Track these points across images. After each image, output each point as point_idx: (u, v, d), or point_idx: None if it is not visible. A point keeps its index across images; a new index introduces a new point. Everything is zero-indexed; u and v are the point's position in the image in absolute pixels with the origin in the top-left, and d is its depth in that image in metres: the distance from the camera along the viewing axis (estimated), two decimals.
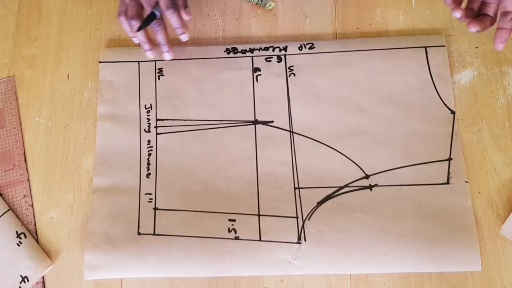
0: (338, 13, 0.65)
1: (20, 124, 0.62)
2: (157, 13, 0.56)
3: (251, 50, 0.63)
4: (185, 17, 0.57)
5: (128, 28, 0.57)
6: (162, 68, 0.63)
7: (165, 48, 0.59)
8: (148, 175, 0.58)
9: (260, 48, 0.63)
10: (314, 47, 0.62)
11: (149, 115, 0.61)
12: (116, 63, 0.63)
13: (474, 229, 0.54)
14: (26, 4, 0.67)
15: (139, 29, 0.56)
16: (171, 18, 0.56)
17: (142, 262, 0.55)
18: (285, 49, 0.62)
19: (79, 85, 0.63)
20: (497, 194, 0.56)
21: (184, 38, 0.58)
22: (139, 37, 0.58)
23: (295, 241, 0.55)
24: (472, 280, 0.53)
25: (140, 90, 0.62)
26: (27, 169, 0.60)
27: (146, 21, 0.56)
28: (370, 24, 0.64)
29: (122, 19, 0.57)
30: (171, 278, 0.55)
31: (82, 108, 0.62)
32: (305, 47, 0.62)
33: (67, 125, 0.62)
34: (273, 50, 0.63)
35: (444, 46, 0.61)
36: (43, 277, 0.56)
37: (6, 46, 0.65)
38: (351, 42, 0.62)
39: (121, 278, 0.55)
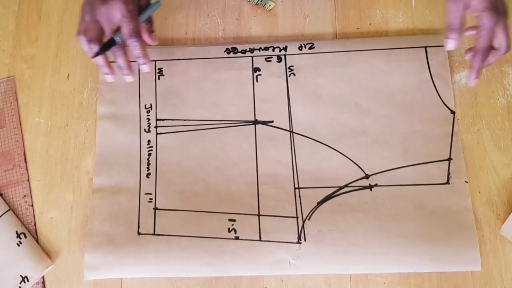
0: (338, 13, 0.65)
1: (20, 124, 0.62)
2: (118, 40, 0.53)
3: (251, 50, 0.63)
4: (150, 42, 0.55)
5: (87, 49, 0.53)
6: (162, 68, 0.63)
7: (125, 71, 0.56)
8: (148, 175, 0.58)
9: (260, 48, 0.63)
10: (314, 47, 0.62)
11: (149, 115, 0.61)
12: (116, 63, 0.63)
13: (474, 229, 0.54)
14: (26, 4, 0.67)
15: (96, 55, 0.53)
16: (133, 47, 0.53)
17: (142, 262, 0.55)
18: (285, 49, 0.62)
19: (79, 85, 0.63)
20: (497, 194, 0.56)
21: (145, 69, 0.55)
22: (97, 61, 0.54)
23: (295, 241, 0.55)
24: (472, 280, 0.53)
25: (140, 90, 0.62)
26: (27, 169, 0.60)
27: (105, 47, 0.53)
28: (370, 24, 0.64)
29: (82, 39, 0.53)
30: (171, 278, 0.55)
31: (82, 108, 0.62)
32: (305, 47, 0.62)
33: (67, 125, 0.62)
34: (273, 50, 0.63)
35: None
36: (43, 277, 0.56)
37: (6, 46, 0.65)
38: (351, 42, 0.62)
39: (121, 278, 0.55)
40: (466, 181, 0.56)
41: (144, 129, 0.60)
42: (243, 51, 0.63)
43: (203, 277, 0.55)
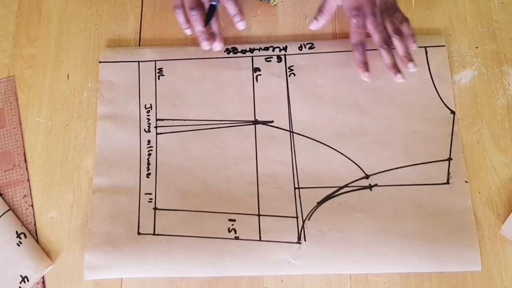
0: (338, 13, 0.65)
1: (20, 124, 0.62)
2: (216, 4, 0.57)
3: (251, 50, 0.63)
4: None
5: (184, 20, 0.59)
6: (162, 68, 0.63)
7: (218, 37, 0.60)
8: (148, 175, 0.58)
9: (260, 48, 0.63)
10: (314, 47, 0.62)
11: (149, 115, 0.61)
12: (116, 63, 0.63)
13: (474, 229, 0.54)
14: (26, 4, 0.67)
15: (205, 25, 0.58)
16: (229, 6, 0.58)
17: (142, 262, 0.55)
18: (285, 49, 0.62)
19: (79, 85, 0.63)
20: (497, 194, 0.56)
21: (241, 25, 0.59)
22: (199, 29, 0.59)
23: (295, 241, 0.55)
24: (472, 280, 0.53)
25: (140, 90, 0.62)
26: (27, 169, 0.60)
27: (209, 15, 0.58)
28: None
29: (179, 11, 0.59)
30: (171, 278, 0.55)
31: (82, 108, 0.62)
32: (305, 47, 0.62)
33: (67, 125, 0.62)
34: (273, 50, 0.63)
35: (444, 46, 0.61)
36: (43, 277, 0.56)
37: (6, 46, 0.65)
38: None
39: (121, 278, 0.55)
40: (466, 181, 0.56)
41: (144, 129, 0.60)
42: (243, 51, 0.63)
43: (203, 277, 0.55)
